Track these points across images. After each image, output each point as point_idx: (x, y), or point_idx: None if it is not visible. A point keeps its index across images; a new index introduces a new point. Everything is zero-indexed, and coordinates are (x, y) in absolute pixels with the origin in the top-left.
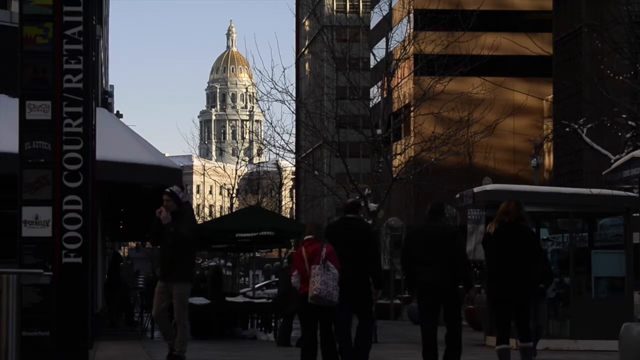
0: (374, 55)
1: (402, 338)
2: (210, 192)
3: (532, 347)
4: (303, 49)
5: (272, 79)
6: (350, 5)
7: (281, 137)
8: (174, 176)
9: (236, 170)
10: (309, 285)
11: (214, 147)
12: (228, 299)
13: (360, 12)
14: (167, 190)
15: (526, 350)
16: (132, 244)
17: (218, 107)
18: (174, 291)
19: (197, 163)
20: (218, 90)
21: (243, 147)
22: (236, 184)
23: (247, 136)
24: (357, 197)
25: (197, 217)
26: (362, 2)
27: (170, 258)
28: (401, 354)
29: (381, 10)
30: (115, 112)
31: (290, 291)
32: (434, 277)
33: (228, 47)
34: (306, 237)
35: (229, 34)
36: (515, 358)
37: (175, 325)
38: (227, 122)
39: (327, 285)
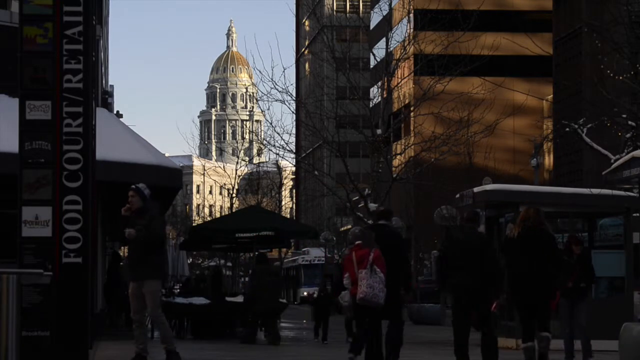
0: (374, 55)
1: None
2: (210, 192)
3: (549, 337)
4: (303, 49)
5: (272, 79)
6: (350, 5)
7: (281, 137)
8: (174, 176)
9: (236, 170)
10: (358, 287)
11: (214, 147)
12: (228, 299)
13: (360, 12)
14: (133, 186)
15: (543, 339)
16: None
17: (218, 107)
18: (144, 289)
19: (197, 163)
20: (218, 90)
21: (243, 147)
22: (236, 184)
23: (247, 136)
24: (390, 209)
25: (197, 217)
26: (362, 2)
27: (139, 257)
28: (401, 353)
29: (381, 10)
30: (115, 112)
31: (259, 291)
32: (467, 281)
33: (228, 47)
34: (356, 242)
35: (229, 34)
36: (517, 357)
37: (152, 325)
38: (227, 122)
39: (373, 288)
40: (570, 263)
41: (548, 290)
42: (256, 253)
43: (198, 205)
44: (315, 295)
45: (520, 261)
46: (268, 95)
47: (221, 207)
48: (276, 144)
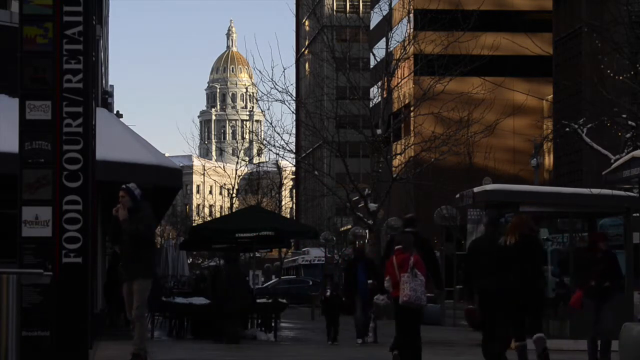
0: (374, 55)
1: None
2: (210, 192)
3: (543, 337)
4: (303, 49)
5: (272, 79)
6: (350, 5)
7: (281, 137)
8: (174, 176)
9: (236, 170)
10: (399, 290)
11: (214, 147)
12: None
13: (360, 12)
14: (124, 186)
15: (539, 340)
16: None
17: (218, 107)
18: (134, 287)
19: (197, 163)
20: (218, 90)
21: (243, 147)
22: (236, 184)
23: (247, 136)
24: (413, 216)
25: (197, 217)
26: (362, 2)
27: (130, 256)
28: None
29: (381, 10)
30: (115, 112)
31: (230, 290)
32: (492, 284)
33: (228, 47)
34: (396, 247)
35: (229, 34)
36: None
37: (133, 323)
38: (227, 122)
39: (416, 291)
40: (617, 263)
41: (538, 293)
42: (252, 252)
43: (198, 205)
44: (327, 295)
45: (516, 267)
46: (268, 95)
47: (221, 207)
48: (276, 144)
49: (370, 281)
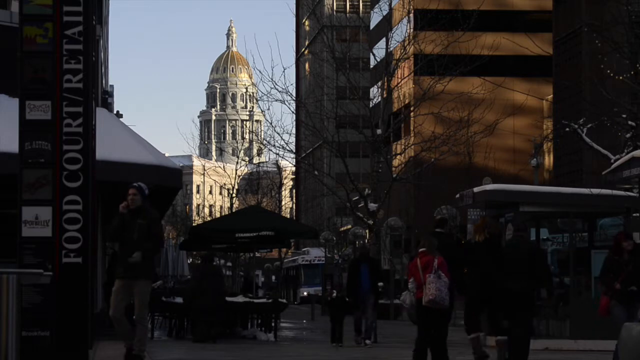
0: (374, 55)
1: (402, 338)
2: (210, 192)
3: (506, 340)
4: (303, 49)
5: (272, 79)
6: (350, 5)
7: (281, 137)
8: (174, 176)
9: (236, 170)
10: (423, 291)
11: (214, 147)
12: (228, 299)
13: (360, 12)
14: (135, 184)
15: (498, 342)
16: None
17: (218, 107)
18: (136, 289)
19: (197, 163)
20: (218, 90)
21: (243, 147)
22: (236, 184)
23: (247, 136)
24: (445, 217)
25: (197, 217)
26: (362, 2)
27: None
28: (401, 354)
29: (381, 10)
30: (115, 112)
31: (199, 287)
32: (515, 285)
33: (228, 47)
34: (420, 250)
35: (229, 34)
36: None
37: (134, 324)
38: (227, 122)
39: (440, 292)
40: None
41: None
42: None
43: (198, 205)
44: (334, 296)
45: (486, 261)
46: (268, 95)
47: (221, 207)
48: (276, 144)
49: (380, 284)
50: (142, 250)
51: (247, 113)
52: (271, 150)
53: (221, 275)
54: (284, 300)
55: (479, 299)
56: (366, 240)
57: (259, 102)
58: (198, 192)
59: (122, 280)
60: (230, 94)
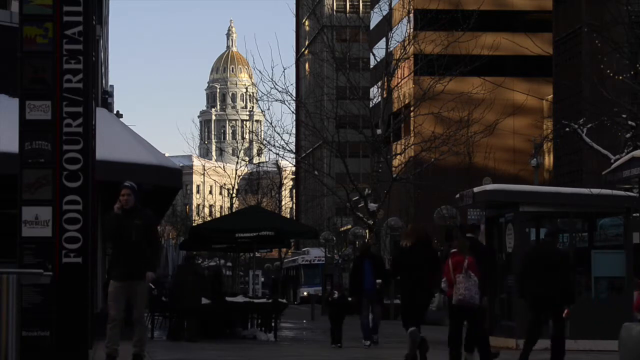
0: (374, 55)
1: (403, 338)
2: (210, 192)
3: (416, 331)
4: (303, 49)
5: (272, 79)
6: (350, 5)
7: (281, 137)
8: (174, 176)
9: (236, 170)
10: (454, 290)
11: (214, 147)
12: (228, 299)
13: (360, 12)
14: (127, 184)
15: (412, 332)
16: None
17: (218, 107)
18: (138, 289)
19: (197, 163)
20: (218, 90)
21: (243, 147)
22: (236, 184)
23: (247, 136)
24: (476, 221)
25: (197, 217)
26: (362, 2)
27: (137, 255)
28: (402, 353)
29: (381, 10)
30: (115, 112)
31: (181, 288)
32: (542, 290)
33: (228, 47)
34: (452, 250)
35: (229, 34)
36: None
37: (133, 324)
38: (227, 122)
39: (470, 291)
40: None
41: (430, 293)
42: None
43: (198, 205)
44: (335, 296)
45: (413, 265)
46: (268, 95)
47: (221, 207)
48: (276, 144)
49: (379, 281)
50: (152, 268)
51: (247, 113)
52: (271, 150)
53: (202, 274)
54: (284, 300)
55: (408, 299)
56: (366, 240)
57: (259, 102)
58: (198, 192)
59: (120, 282)
60: (230, 94)
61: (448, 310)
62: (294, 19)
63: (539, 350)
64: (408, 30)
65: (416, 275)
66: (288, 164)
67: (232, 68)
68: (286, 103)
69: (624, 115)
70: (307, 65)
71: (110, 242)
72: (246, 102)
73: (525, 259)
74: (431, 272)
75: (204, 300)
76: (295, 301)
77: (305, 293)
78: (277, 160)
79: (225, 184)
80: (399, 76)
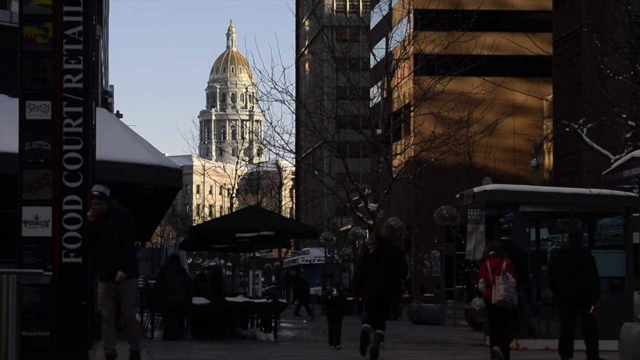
0: (374, 55)
1: (403, 338)
2: (210, 192)
3: (382, 334)
4: (303, 49)
5: (272, 79)
6: (350, 5)
7: (281, 137)
8: (174, 176)
9: (236, 170)
10: (492, 290)
11: (214, 147)
12: (228, 299)
13: (360, 12)
14: (95, 193)
15: (377, 336)
16: None
17: (218, 107)
18: (120, 288)
19: (197, 163)
20: (218, 90)
21: (243, 147)
22: (236, 184)
23: (247, 136)
24: (509, 223)
25: (197, 217)
26: (362, 2)
27: (114, 255)
28: (402, 354)
29: (381, 10)
30: (115, 112)
31: (160, 287)
32: (573, 288)
33: (228, 47)
34: (490, 253)
35: (229, 34)
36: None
37: (125, 325)
38: (227, 122)
39: (509, 292)
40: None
41: (397, 293)
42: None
43: (198, 205)
44: (335, 294)
45: (378, 269)
46: (268, 95)
47: (221, 207)
48: (276, 144)
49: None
50: (122, 267)
51: (247, 113)
52: (271, 150)
53: (186, 274)
54: (284, 300)
55: (376, 298)
56: (366, 240)
57: (259, 102)
58: (198, 192)
59: (106, 282)
60: (230, 94)
61: (487, 311)
62: (294, 19)
63: (539, 350)
64: (408, 30)
65: (381, 276)
66: (288, 164)
67: (232, 68)
68: (286, 103)
69: (624, 115)
70: (307, 65)
71: (90, 248)
72: (246, 102)
73: (555, 260)
74: (395, 272)
75: (203, 301)
76: (296, 301)
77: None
78: (277, 160)
79: (225, 184)
80: (399, 76)
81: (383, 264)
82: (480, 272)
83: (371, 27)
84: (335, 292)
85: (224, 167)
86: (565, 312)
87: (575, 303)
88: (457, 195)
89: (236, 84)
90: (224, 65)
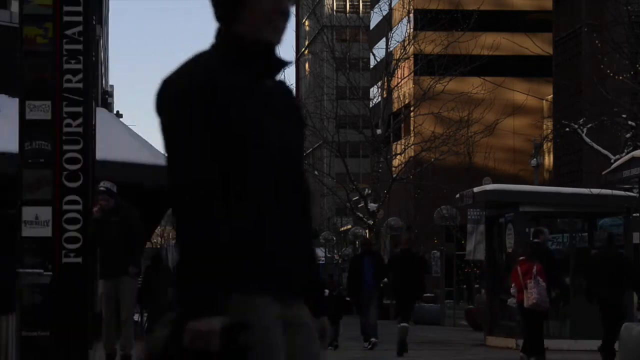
0: (374, 55)
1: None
2: None
3: (407, 327)
4: (303, 49)
5: None
6: (350, 5)
7: None
8: None
9: None
10: (524, 295)
11: None
12: None
13: (360, 12)
14: (102, 188)
15: (402, 328)
16: None
17: None
18: (121, 286)
19: None
20: None
21: None
22: None
23: None
24: (541, 228)
25: None
26: (362, 2)
27: (118, 252)
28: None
29: (381, 10)
30: (115, 112)
31: (150, 286)
32: (606, 291)
33: None
34: (520, 258)
35: None
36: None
37: (120, 324)
38: None
39: (541, 295)
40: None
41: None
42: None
43: None
44: (334, 294)
45: (401, 272)
46: None
47: None
48: None
49: (385, 280)
50: (133, 263)
51: None
52: None
53: (168, 272)
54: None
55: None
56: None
57: None
58: None
59: (106, 280)
60: None
61: (521, 316)
62: (294, 18)
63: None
64: (408, 30)
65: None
66: None
67: None
68: None
69: (624, 115)
70: (307, 65)
71: (94, 246)
72: None
73: (590, 265)
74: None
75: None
76: None
77: None
78: None
79: None
80: (399, 76)
81: (408, 268)
82: (512, 278)
83: (371, 27)
84: (335, 291)
85: None
86: (604, 315)
87: (609, 307)
88: (457, 195)
89: None
90: None
